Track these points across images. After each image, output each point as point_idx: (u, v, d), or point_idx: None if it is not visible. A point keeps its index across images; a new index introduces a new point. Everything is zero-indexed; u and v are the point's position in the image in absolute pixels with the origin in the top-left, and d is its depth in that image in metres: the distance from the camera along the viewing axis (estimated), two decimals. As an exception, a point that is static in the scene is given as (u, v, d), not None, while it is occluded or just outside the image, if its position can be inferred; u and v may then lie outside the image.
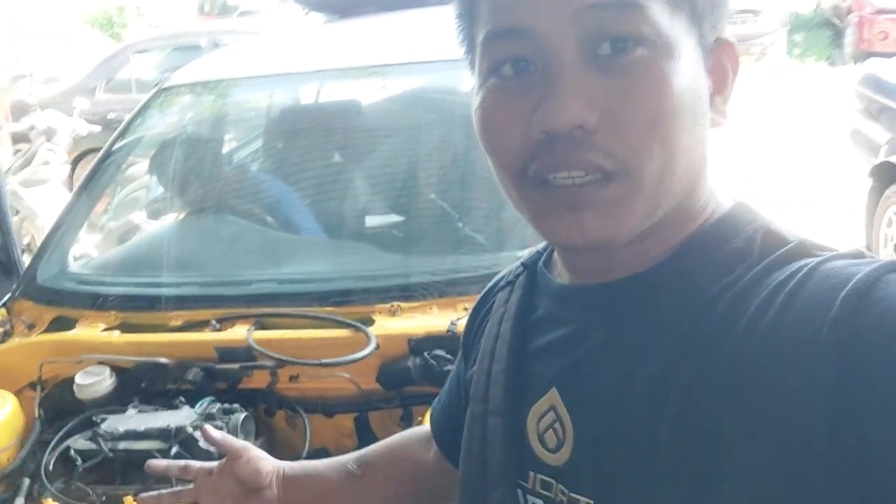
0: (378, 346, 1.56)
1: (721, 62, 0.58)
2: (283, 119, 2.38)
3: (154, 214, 2.41)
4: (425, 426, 0.92)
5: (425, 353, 1.57)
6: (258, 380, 1.68)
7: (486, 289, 0.77)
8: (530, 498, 0.62)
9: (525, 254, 0.74)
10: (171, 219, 2.28)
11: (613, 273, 0.58)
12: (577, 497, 0.57)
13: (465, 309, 1.64)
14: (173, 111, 2.51)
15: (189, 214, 2.24)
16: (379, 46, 2.49)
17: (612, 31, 0.51)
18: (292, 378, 1.67)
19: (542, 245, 0.72)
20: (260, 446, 1.53)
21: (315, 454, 1.62)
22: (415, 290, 1.71)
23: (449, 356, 1.55)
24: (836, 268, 0.50)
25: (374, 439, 1.71)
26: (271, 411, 1.70)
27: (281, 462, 0.95)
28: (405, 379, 1.59)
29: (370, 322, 1.66)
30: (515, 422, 0.63)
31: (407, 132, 2.15)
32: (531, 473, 0.62)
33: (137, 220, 2.44)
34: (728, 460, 0.49)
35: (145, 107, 2.42)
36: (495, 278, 0.77)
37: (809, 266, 0.50)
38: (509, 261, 1.69)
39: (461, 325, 1.59)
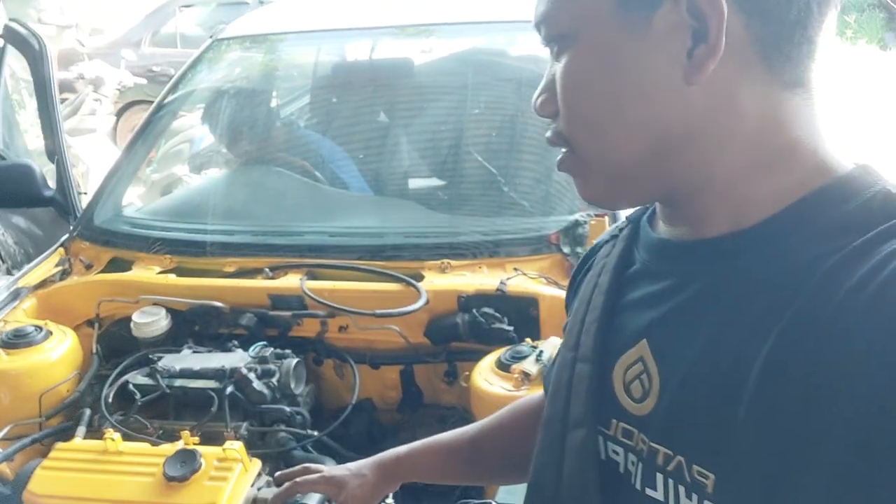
0: (428, 301, 1.58)
1: (697, 11, 0.53)
2: (335, 75, 2.39)
3: (206, 164, 2.44)
4: (535, 396, 0.92)
5: (474, 311, 1.59)
6: (308, 328, 1.72)
7: (593, 244, 0.78)
8: (610, 444, 0.63)
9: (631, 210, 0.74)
10: (222, 169, 2.32)
11: (710, 229, 0.58)
12: (658, 447, 0.57)
13: (515, 269, 1.66)
14: (227, 63, 2.53)
15: (240, 165, 2.27)
16: (432, 5, 2.48)
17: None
18: (341, 328, 1.71)
19: None
20: (308, 393, 1.60)
21: (359, 405, 1.66)
22: (465, 248, 1.73)
23: (497, 314, 1.57)
24: None
25: (419, 392, 1.76)
26: (319, 360, 1.74)
27: (382, 469, 0.95)
28: (453, 334, 1.62)
29: (420, 278, 1.68)
30: (602, 370, 0.64)
31: (459, 93, 2.14)
32: (614, 421, 0.62)
33: (189, 170, 2.48)
34: (811, 426, 0.48)
35: (199, 58, 2.45)
36: (602, 234, 0.78)
37: None
38: (558, 224, 1.72)
39: (511, 284, 1.61)
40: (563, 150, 0.61)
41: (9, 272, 2.48)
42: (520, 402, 0.93)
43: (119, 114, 6.10)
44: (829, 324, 0.48)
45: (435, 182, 2.03)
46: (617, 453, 0.62)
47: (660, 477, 0.57)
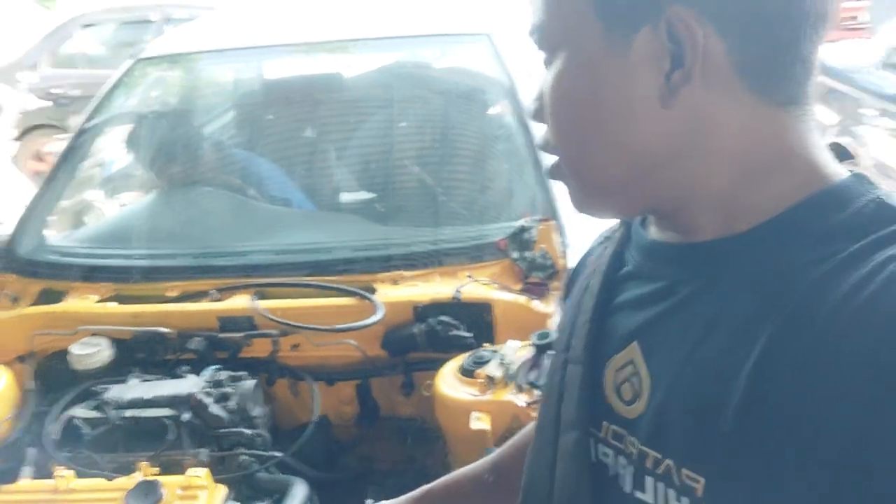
0: (385, 313, 1.59)
1: (675, 36, 0.52)
2: (265, 92, 2.36)
3: (132, 189, 2.36)
4: None
5: (430, 320, 1.60)
6: (259, 349, 1.69)
7: (590, 246, 0.77)
8: (601, 447, 0.63)
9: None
10: (152, 192, 2.24)
11: (701, 234, 0.58)
12: (647, 450, 0.57)
13: (469, 276, 1.69)
14: (150, 83, 2.46)
15: (172, 188, 2.21)
16: (356, 20, 2.49)
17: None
18: (294, 347, 1.69)
19: None
20: (266, 414, 1.57)
21: (317, 422, 1.64)
22: (416, 259, 1.74)
23: (454, 322, 1.59)
24: None
25: (375, 406, 1.75)
26: (272, 380, 1.71)
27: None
28: (410, 345, 1.62)
29: (373, 290, 1.68)
30: (593, 372, 0.64)
31: (392, 105, 2.16)
32: (605, 423, 0.62)
33: (113, 195, 2.39)
34: (800, 432, 0.47)
35: (121, 79, 2.37)
36: (599, 235, 0.77)
37: None
38: (505, 231, 1.76)
39: (465, 291, 1.63)
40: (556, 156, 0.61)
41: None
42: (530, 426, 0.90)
43: (20, 138, 5.80)
44: (819, 331, 0.48)
45: (377, 195, 2.03)
46: (607, 455, 0.62)
47: (650, 480, 0.57)
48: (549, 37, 0.59)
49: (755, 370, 0.50)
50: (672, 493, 0.55)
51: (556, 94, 0.58)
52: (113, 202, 2.34)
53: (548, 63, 0.60)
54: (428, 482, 1.43)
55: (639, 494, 0.58)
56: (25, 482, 1.37)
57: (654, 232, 0.64)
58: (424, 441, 1.74)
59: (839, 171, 0.56)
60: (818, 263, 0.50)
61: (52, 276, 1.85)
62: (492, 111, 2.14)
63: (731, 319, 0.53)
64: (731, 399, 0.50)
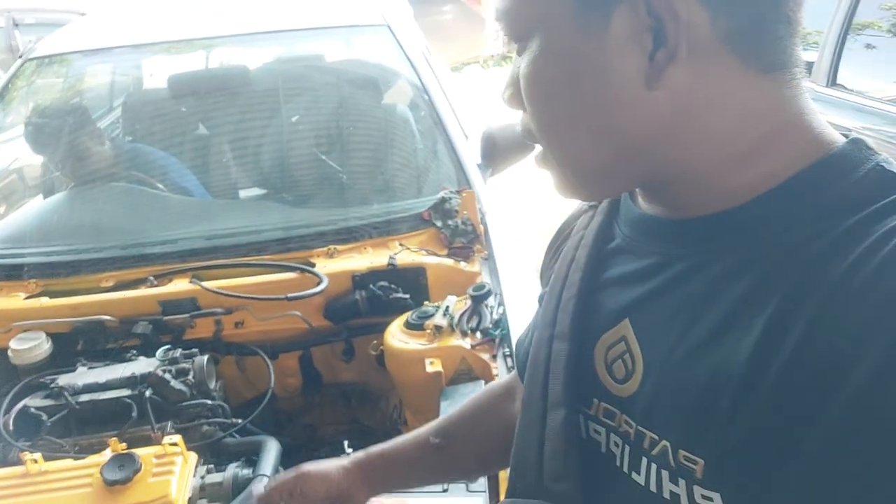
0: (329, 283, 1.70)
1: (654, 11, 0.50)
2: (170, 86, 2.37)
3: (39, 187, 2.30)
4: (501, 381, 0.91)
5: (371, 286, 1.73)
6: (203, 329, 1.75)
7: (570, 214, 0.75)
8: (591, 424, 0.61)
9: None
10: (64, 189, 2.20)
11: (695, 209, 0.55)
12: (644, 430, 0.56)
13: (401, 244, 1.83)
14: (41, 82, 2.41)
15: (83, 184, 2.18)
16: (258, 14, 2.56)
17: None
18: (237, 324, 1.76)
19: None
20: (219, 388, 1.64)
21: (262, 396, 1.72)
22: (348, 233, 1.85)
23: (393, 286, 1.73)
24: None
25: (318, 375, 1.85)
26: (217, 359, 1.76)
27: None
28: (353, 311, 1.74)
29: (311, 265, 1.78)
30: (581, 349, 0.62)
31: (315, 93, 2.26)
32: (595, 401, 0.61)
33: (21, 195, 2.32)
34: (802, 412, 0.46)
35: (12, 79, 2.31)
36: (579, 204, 0.74)
37: None
38: (429, 202, 1.92)
39: (400, 258, 1.77)
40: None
41: None
42: (485, 387, 0.93)
43: None
44: (821, 307, 0.46)
45: (302, 180, 2.12)
46: (598, 433, 0.61)
47: (644, 461, 0.56)
48: (519, 22, 0.55)
49: (755, 352, 0.48)
50: (665, 475, 0.53)
51: (532, 82, 0.55)
52: (18, 203, 2.27)
53: (520, 51, 0.56)
54: (371, 439, 1.57)
55: (634, 475, 0.57)
56: (-9, 471, 1.37)
57: (643, 205, 0.61)
58: (367, 402, 1.87)
59: (836, 137, 0.53)
60: (819, 237, 0.48)
61: (-29, 277, 1.80)
62: (402, 97, 2.28)
63: (728, 297, 0.51)
64: (730, 381, 0.49)
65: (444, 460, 0.88)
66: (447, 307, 1.57)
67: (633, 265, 0.60)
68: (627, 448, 0.58)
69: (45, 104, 2.32)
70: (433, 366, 1.47)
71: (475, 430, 0.88)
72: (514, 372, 0.84)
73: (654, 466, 0.55)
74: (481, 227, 1.87)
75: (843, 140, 0.53)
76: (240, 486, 1.34)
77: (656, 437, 0.55)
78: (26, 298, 1.74)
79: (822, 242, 0.48)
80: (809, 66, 3.44)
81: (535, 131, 0.57)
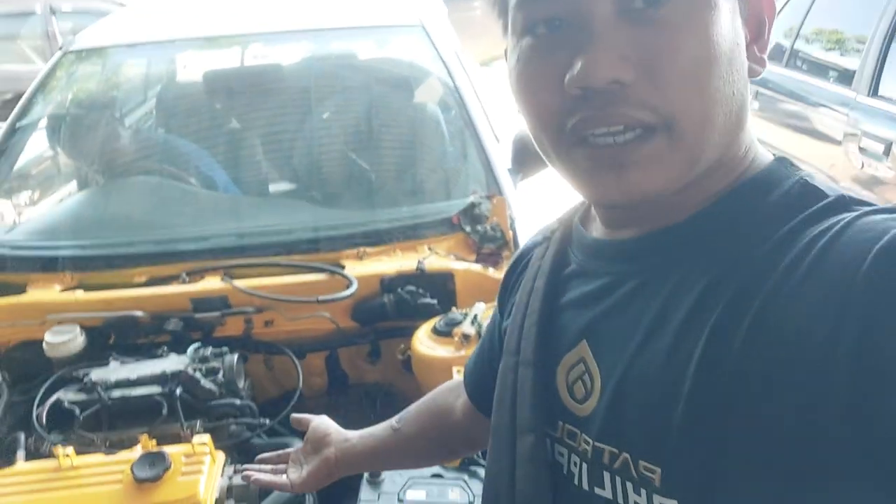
0: (357, 286, 1.70)
1: (757, 10, 0.57)
2: (206, 82, 2.39)
3: (74, 180, 2.34)
4: (456, 380, 0.97)
5: (398, 290, 1.73)
6: (232, 328, 1.77)
7: (524, 245, 0.78)
8: (557, 447, 0.63)
9: (562, 211, 0.74)
10: (98, 184, 2.24)
11: (649, 225, 0.58)
12: (602, 446, 0.57)
13: (430, 249, 1.83)
14: (81, 75, 2.44)
15: (118, 178, 2.21)
16: (293, 12, 2.56)
17: None
18: (267, 323, 1.77)
19: (578, 202, 0.72)
20: (248, 387, 1.65)
21: (288, 394, 1.74)
22: (378, 235, 1.86)
23: (420, 290, 1.73)
24: (873, 221, 0.49)
25: (344, 375, 1.87)
26: (245, 357, 1.78)
27: (347, 432, 1.03)
28: (380, 314, 1.75)
29: (341, 267, 1.79)
30: (545, 373, 0.64)
31: (348, 93, 2.27)
32: (560, 423, 0.63)
33: (56, 188, 2.36)
34: (748, 412, 0.48)
35: (51, 72, 2.34)
36: (533, 235, 0.78)
37: (846, 220, 0.49)
38: (459, 206, 1.92)
39: (428, 263, 1.77)
40: (632, 132, 0.53)
41: None
42: (442, 385, 1.02)
43: None
44: (760, 312, 0.49)
45: (333, 180, 2.13)
46: (562, 454, 0.63)
47: (607, 475, 0.57)
48: None
49: (702, 358, 0.51)
50: (630, 486, 0.55)
51: (698, 46, 0.52)
52: (53, 196, 2.31)
53: (645, 15, 0.52)
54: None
55: (598, 490, 0.58)
56: (25, 464, 1.40)
57: (597, 231, 0.65)
58: (392, 404, 1.87)
59: (764, 155, 0.59)
60: (757, 245, 0.52)
61: (8, 269, 1.84)
62: (433, 97, 2.28)
63: (676, 311, 0.54)
64: (682, 389, 0.51)
65: (400, 445, 0.98)
66: (475, 315, 1.57)
67: (587, 287, 0.63)
68: (585, 466, 0.60)
69: (81, 97, 2.35)
70: (460, 374, 1.46)
71: (423, 419, 0.98)
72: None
73: (617, 479, 0.56)
74: (510, 233, 1.87)
75: (770, 158, 0.58)
76: (267, 489, 1.35)
77: (616, 451, 0.56)
78: (61, 291, 1.77)
79: (762, 248, 0.52)
80: (850, 74, 3.36)
81: (662, 103, 0.52)
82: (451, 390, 0.98)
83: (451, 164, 2.12)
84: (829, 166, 3.84)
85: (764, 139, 4.58)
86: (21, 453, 1.45)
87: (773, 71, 4.55)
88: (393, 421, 1.00)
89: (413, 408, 1.01)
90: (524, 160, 2.11)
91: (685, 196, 0.56)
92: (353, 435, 1.02)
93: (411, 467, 1.27)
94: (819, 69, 3.79)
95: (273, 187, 2.27)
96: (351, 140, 2.21)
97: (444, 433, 0.95)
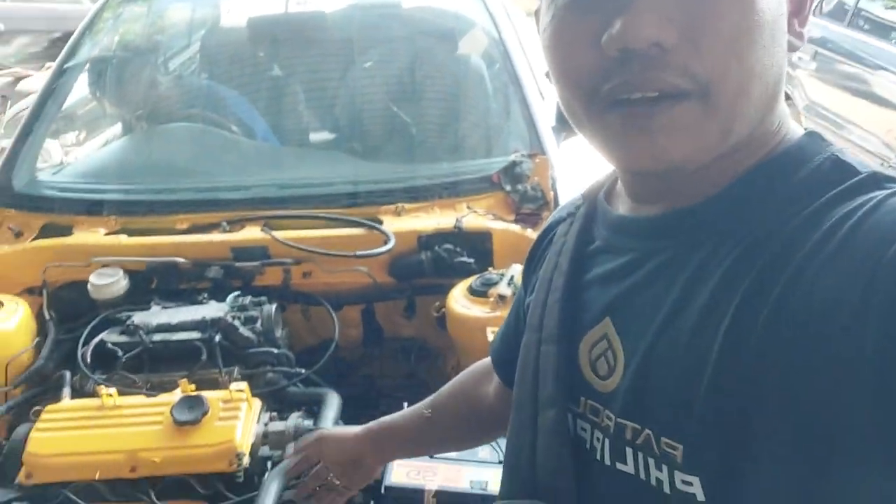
0: (395, 242, 1.70)
1: None
2: (251, 29, 2.38)
3: (118, 125, 2.37)
4: (484, 361, 0.96)
5: (436, 248, 1.73)
6: (271, 277, 1.79)
7: (549, 221, 0.78)
8: (579, 422, 0.63)
9: (587, 186, 0.73)
10: (142, 128, 2.26)
11: (678, 200, 0.58)
12: (625, 422, 0.57)
13: (469, 207, 1.82)
14: (125, 19, 2.44)
15: (161, 124, 2.23)
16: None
17: None
18: (305, 275, 1.79)
19: (603, 176, 0.71)
20: (286, 336, 1.68)
21: (325, 345, 1.76)
22: (417, 192, 1.85)
23: (458, 249, 1.73)
24: None
25: (379, 328, 1.89)
26: (283, 307, 1.81)
27: (363, 428, 1.03)
28: (417, 271, 1.75)
29: (379, 222, 1.79)
30: (567, 349, 0.64)
31: (390, 44, 2.23)
32: (582, 399, 0.63)
33: (100, 131, 2.39)
34: (772, 390, 0.48)
35: (96, 15, 2.35)
36: (557, 210, 0.77)
37: (878, 198, 0.49)
38: (500, 164, 1.89)
39: (466, 222, 1.76)
40: (670, 98, 0.52)
41: None
42: (470, 367, 1.00)
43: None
44: (787, 289, 0.49)
45: (375, 133, 2.12)
46: (584, 430, 0.63)
47: (629, 451, 0.57)
48: None
49: (727, 336, 0.50)
50: (652, 462, 0.55)
51: (742, 14, 0.51)
52: (98, 139, 2.34)
53: None
54: (426, 395, 1.61)
55: (620, 466, 0.58)
56: (71, 402, 1.45)
57: (622, 207, 0.64)
58: (425, 359, 1.89)
59: (796, 129, 0.58)
60: (786, 221, 0.51)
61: (56, 210, 1.88)
62: (478, 50, 2.24)
63: (703, 285, 0.53)
64: (706, 365, 0.51)
65: (433, 432, 0.98)
66: (512, 276, 1.56)
67: (612, 264, 0.62)
68: (607, 441, 0.60)
69: (127, 40, 2.36)
70: (494, 335, 1.47)
71: (457, 405, 0.97)
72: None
73: (640, 455, 0.57)
74: (551, 193, 1.84)
75: (801, 132, 0.57)
76: (301, 436, 1.38)
77: (638, 428, 0.56)
78: (106, 235, 1.80)
79: (793, 223, 0.51)
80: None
81: (704, 67, 0.50)
82: (480, 373, 0.97)
83: (493, 120, 2.09)
84: (885, 131, 3.70)
85: (820, 101, 4.42)
86: (67, 390, 1.51)
87: (833, 30, 4.36)
88: (424, 409, 0.99)
89: (444, 393, 1.00)
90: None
91: (715, 170, 0.55)
92: (382, 431, 1.02)
93: (445, 452, 1.26)
94: (882, 30, 3.62)
95: (313, 137, 2.26)
96: (393, 91, 2.19)
97: (477, 417, 0.94)
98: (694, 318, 0.53)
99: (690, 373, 0.52)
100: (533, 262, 0.77)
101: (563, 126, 2.08)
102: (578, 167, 2.09)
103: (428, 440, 1.04)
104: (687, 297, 0.54)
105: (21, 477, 1.30)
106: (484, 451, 1.27)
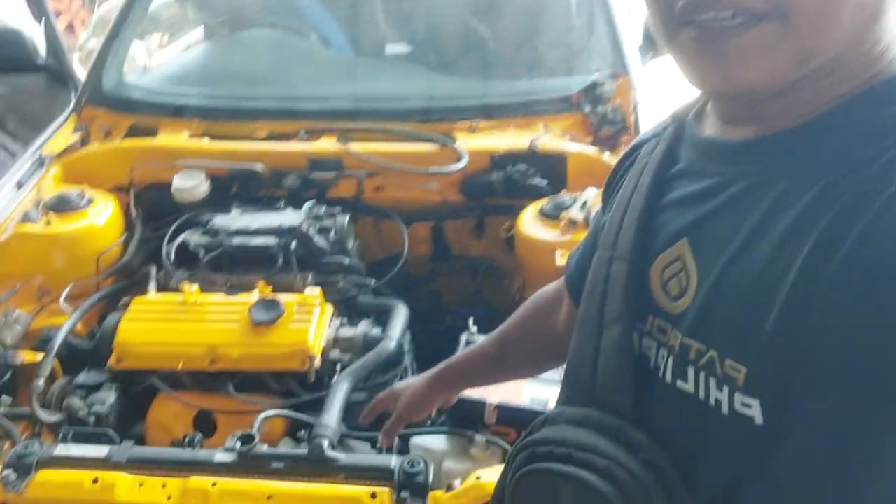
0: (468, 160, 1.70)
1: None
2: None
3: (201, 30, 2.39)
4: (552, 287, 0.95)
5: (508, 168, 1.72)
6: (345, 189, 1.82)
7: (635, 141, 0.76)
8: (645, 340, 0.64)
9: (677, 106, 0.71)
10: (224, 35, 2.28)
11: (768, 124, 0.56)
12: (691, 342, 0.58)
13: (545, 127, 1.79)
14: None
15: (242, 30, 2.25)
16: None
17: None
18: (378, 188, 1.82)
19: (695, 97, 0.69)
20: (357, 247, 1.72)
21: (394, 258, 1.79)
22: (492, 109, 1.83)
23: (531, 170, 1.71)
24: None
25: (447, 246, 1.91)
26: (355, 218, 1.85)
27: (433, 376, 1.03)
28: (488, 191, 1.75)
29: (452, 138, 1.78)
30: (639, 269, 0.64)
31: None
32: (650, 317, 0.63)
33: (182, 35, 2.43)
34: (840, 329, 0.48)
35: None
36: (646, 131, 0.76)
37: None
38: (580, 84, 1.84)
39: (542, 142, 1.74)
40: (740, 17, 0.51)
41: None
42: (536, 296, 0.98)
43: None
44: (871, 224, 0.47)
45: (452, 46, 2.08)
46: (650, 348, 0.63)
47: (691, 370, 0.58)
48: None
49: (805, 265, 0.50)
50: (713, 382, 0.56)
51: None
52: (181, 42, 2.38)
53: None
54: (493, 314, 1.62)
55: (680, 384, 0.59)
56: (156, 295, 1.54)
57: (711, 129, 0.63)
58: (492, 278, 1.92)
59: None
60: (875, 157, 0.49)
61: (143, 111, 1.94)
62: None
63: (784, 214, 0.52)
64: (780, 292, 0.51)
65: (503, 367, 1.01)
66: (585, 201, 1.54)
67: (694, 186, 0.61)
68: (671, 359, 0.60)
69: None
70: (563, 259, 1.47)
71: (527, 338, 0.97)
72: (561, 279, 0.89)
73: (702, 374, 0.57)
74: (632, 117, 1.79)
75: None
76: (370, 343, 1.44)
77: (703, 348, 0.57)
78: (189, 137, 1.86)
79: (878, 161, 0.48)
80: None
81: None
82: (550, 300, 0.94)
83: (575, 37, 2.02)
84: None
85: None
86: (153, 285, 1.60)
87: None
88: (492, 346, 0.99)
89: (513, 324, 0.99)
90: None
91: (807, 94, 0.53)
92: (452, 375, 1.03)
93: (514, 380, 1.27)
94: None
95: (389, 49, 2.24)
96: (471, 4, 2.13)
97: (547, 345, 0.94)
98: (772, 245, 0.52)
99: (760, 301, 0.52)
100: (614, 181, 0.76)
101: (649, 46, 2.00)
102: (663, 90, 2.01)
103: (497, 377, 1.08)
104: (765, 226, 0.53)
105: (112, 361, 1.41)
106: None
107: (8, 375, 1.42)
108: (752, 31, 0.50)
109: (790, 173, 0.53)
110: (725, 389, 0.55)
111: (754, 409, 0.53)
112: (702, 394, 0.57)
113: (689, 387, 0.58)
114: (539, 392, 1.27)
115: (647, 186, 0.66)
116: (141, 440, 1.38)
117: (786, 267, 0.51)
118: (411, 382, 1.07)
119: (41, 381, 1.37)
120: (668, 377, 0.60)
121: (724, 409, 0.55)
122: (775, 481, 0.53)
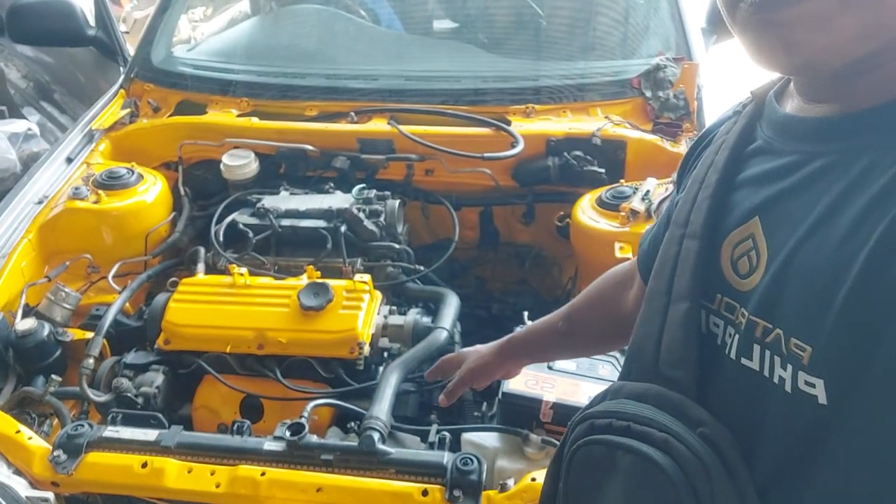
0: (523, 145, 1.64)
1: None
2: None
3: (250, 2, 2.36)
4: (623, 267, 0.95)
5: (565, 153, 1.66)
6: (395, 172, 1.78)
7: (715, 121, 0.75)
8: (712, 318, 0.64)
9: (757, 85, 0.70)
10: (273, 11, 2.24)
11: (848, 102, 0.55)
12: (757, 320, 0.58)
13: (606, 117, 1.72)
14: None
15: (290, 4, 2.20)
16: None
17: None
18: (428, 172, 1.77)
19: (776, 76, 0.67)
20: (406, 232, 1.68)
21: (442, 244, 1.75)
22: (548, 92, 1.76)
23: (588, 157, 1.65)
24: None
25: (496, 232, 1.86)
26: (404, 202, 1.81)
27: (500, 345, 1.07)
28: (542, 177, 1.69)
29: (507, 122, 1.73)
30: (710, 246, 0.64)
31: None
32: (718, 296, 0.63)
33: (231, 6, 2.40)
34: None
35: None
36: (727, 110, 0.75)
37: None
38: (639, 67, 1.76)
39: (605, 130, 1.67)
40: None
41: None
42: (607, 275, 0.98)
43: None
44: None
45: (508, 26, 2.02)
46: (717, 325, 0.63)
47: (757, 348, 0.58)
48: None
49: (877, 247, 0.49)
50: (778, 361, 0.56)
51: None
52: (228, 16, 2.35)
53: None
54: (539, 303, 1.58)
55: (744, 361, 0.59)
56: (205, 276, 1.52)
57: (792, 106, 0.62)
58: (539, 267, 1.87)
59: None
60: None
61: (192, 87, 1.91)
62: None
63: (859, 195, 0.52)
64: (849, 273, 0.50)
65: (569, 342, 1.01)
66: (647, 191, 1.48)
67: (770, 164, 0.61)
68: (737, 337, 0.60)
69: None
70: (623, 251, 1.41)
71: (595, 315, 0.97)
72: (633, 260, 0.89)
73: (767, 353, 0.57)
74: (695, 103, 1.71)
75: None
76: (419, 333, 1.41)
77: (770, 326, 0.57)
78: (238, 116, 1.83)
79: None
80: None
81: None
82: (620, 280, 0.94)
83: (636, 17, 1.93)
84: None
85: None
86: (201, 266, 1.58)
87: None
88: (559, 320, 1.00)
89: (582, 301, 0.99)
90: (721, 20, 1.89)
91: (888, 72, 0.52)
92: (519, 346, 1.06)
93: (578, 358, 1.28)
94: None
95: (437, 25, 2.17)
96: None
97: (615, 325, 0.93)
98: (846, 225, 0.52)
99: (830, 282, 0.52)
100: (689, 161, 0.76)
101: (714, 28, 1.91)
102: (727, 75, 1.92)
103: (562, 352, 1.10)
104: (840, 206, 0.53)
105: (160, 342, 1.40)
106: (604, 369, 1.24)
107: (58, 353, 1.41)
108: (807, 1, 0.49)
109: (871, 152, 0.52)
110: (789, 368, 0.55)
111: (818, 389, 0.53)
112: (766, 371, 0.57)
113: (753, 364, 0.58)
114: (596, 391, 1.22)
115: (722, 164, 0.65)
116: (187, 422, 1.37)
117: (857, 248, 0.50)
118: (478, 348, 1.10)
119: (91, 361, 1.37)
120: (734, 354, 0.60)
121: (788, 386, 0.55)
122: (836, 461, 0.53)
